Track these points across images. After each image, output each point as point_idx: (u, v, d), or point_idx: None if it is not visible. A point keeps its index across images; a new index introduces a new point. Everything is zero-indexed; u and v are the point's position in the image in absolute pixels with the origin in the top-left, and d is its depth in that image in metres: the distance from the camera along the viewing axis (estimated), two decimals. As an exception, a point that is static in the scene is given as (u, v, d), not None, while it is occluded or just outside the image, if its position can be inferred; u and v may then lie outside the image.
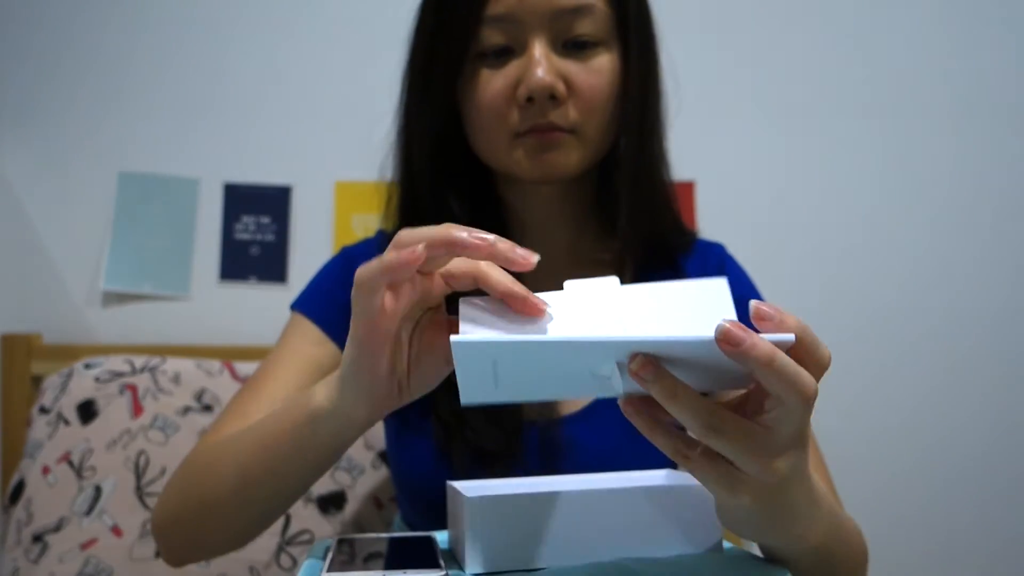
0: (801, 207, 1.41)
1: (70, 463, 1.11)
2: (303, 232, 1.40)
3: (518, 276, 0.48)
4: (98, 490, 1.09)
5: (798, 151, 1.42)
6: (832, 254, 1.41)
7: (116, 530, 1.07)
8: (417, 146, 0.78)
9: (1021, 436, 1.38)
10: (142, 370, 1.18)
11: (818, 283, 1.40)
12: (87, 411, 1.15)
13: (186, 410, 1.15)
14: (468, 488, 0.54)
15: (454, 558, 0.53)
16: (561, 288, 0.49)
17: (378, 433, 1.11)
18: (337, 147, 1.39)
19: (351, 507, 1.11)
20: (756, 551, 0.56)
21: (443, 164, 0.78)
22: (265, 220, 1.39)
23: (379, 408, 0.53)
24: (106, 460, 1.11)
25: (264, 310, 1.32)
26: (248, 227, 1.39)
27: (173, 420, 1.14)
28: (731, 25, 1.42)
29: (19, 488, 1.13)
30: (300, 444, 0.58)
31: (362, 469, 1.13)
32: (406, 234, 0.48)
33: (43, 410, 1.17)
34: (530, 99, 0.71)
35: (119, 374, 1.17)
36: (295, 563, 1.06)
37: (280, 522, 1.08)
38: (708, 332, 0.40)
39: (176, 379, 1.18)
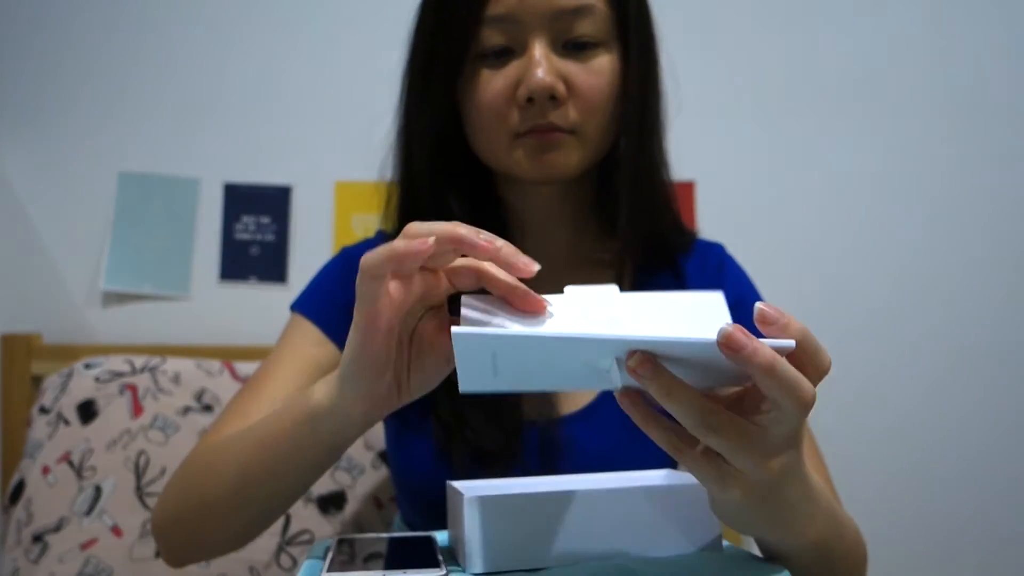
0: (801, 207, 1.41)
1: (70, 463, 1.11)
2: (303, 232, 1.40)
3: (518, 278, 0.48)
4: (98, 490, 1.09)
5: (798, 151, 1.42)
6: (832, 254, 1.41)
7: (116, 530, 1.07)
8: (417, 146, 0.78)
9: (1019, 436, 1.38)
10: (142, 370, 1.18)
11: (818, 283, 1.40)
12: (87, 411, 1.15)
13: (186, 410, 1.15)
14: (468, 488, 0.54)
15: (454, 558, 0.53)
16: (561, 291, 0.49)
17: (378, 433, 1.11)
18: (337, 147, 1.39)
19: (351, 507, 1.11)
20: (755, 550, 0.56)
21: (443, 164, 0.78)
22: (265, 220, 1.39)
23: (378, 406, 0.53)
24: (106, 460, 1.11)
25: (264, 310, 1.32)
26: (248, 227, 1.39)
27: (173, 420, 1.14)
28: (731, 25, 1.42)
29: (19, 488, 1.13)
30: (299, 443, 0.58)
31: (362, 469, 1.13)
32: (416, 226, 0.48)
33: (43, 410, 1.17)
34: (530, 99, 0.71)
35: (119, 374, 1.17)
36: (295, 563, 1.06)
37: (280, 522, 1.08)
38: (707, 335, 0.40)
39: (176, 379, 1.18)
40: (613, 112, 0.75)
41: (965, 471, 1.38)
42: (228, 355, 1.25)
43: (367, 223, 1.38)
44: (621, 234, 0.78)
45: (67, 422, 1.14)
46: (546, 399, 0.77)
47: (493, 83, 0.73)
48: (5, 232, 1.32)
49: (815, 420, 0.77)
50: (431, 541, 0.54)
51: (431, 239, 0.47)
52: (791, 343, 0.42)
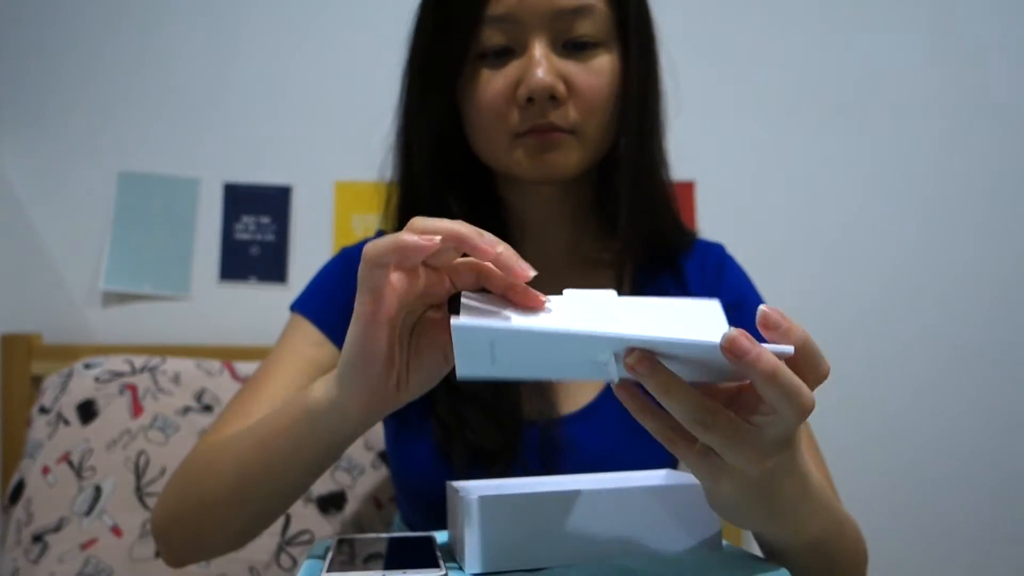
0: (800, 207, 1.41)
1: (70, 463, 1.11)
2: (303, 232, 1.40)
3: None
4: (98, 490, 1.09)
5: (798, 151, 1.42)
6: (831, 254, 1.41)
7: (116, 530, 1.07)
8: (417, 146, 0.78)
9: (1011, 436, 1.39)
10: (142, 370, 1.18)
11: (817, 282, 1.40)
12: (87, 411, 1.15)
13: (186, 410, 1.15)
14: (468, 488, 0.54)
15: (454, 558, 0.53)
16: (560, 292, 0.49)
17: (378, 433, 1.11)
18: (337, 147, 1.39)
19: (351, 507, 1.11)
20: (755, 550, 0.56)
21: (443, 164, 0.78)
22: (265, 220, 1.39)
23: (376, 404, 0.53)
24: (106, 460, 1.11)
25: (264, 310, 1.32)
26: (248, 227, 1.39)
27: (173, 420, 1.14)
28: (731, 25, 1.42)
29: (19, 488, 1.13)
30: (298, 442, 0.58)
31: (362, 469, 1.13)
32: (420, 221, 0.48)
33: (43, 410, 1.17)
34: (530, 99, 0.71)
35: (119, 374, 1.17)
36: (295, 563, 1.06)
37: (280, 522, 1.08)
38: (707, 337, 0.41)
39: (176, 379, 1.18)
40: (613, 112, 0.75)
41: (957, 471, 1.38)
42: (228, 355, 1.25)
43: (367, 223, 1.38)
44: (621, 234, 0.78)
45: (67, 422, 1.14)
46: (546, 399, 0.77)
47: (493, 83, 0.73)
48: (5, 232, 1.32)
49: (812, 419, 0.77)
50: (431, 541, 0.54)
51: (437, 238, 0.47)
52: (790, 349, 0.42)
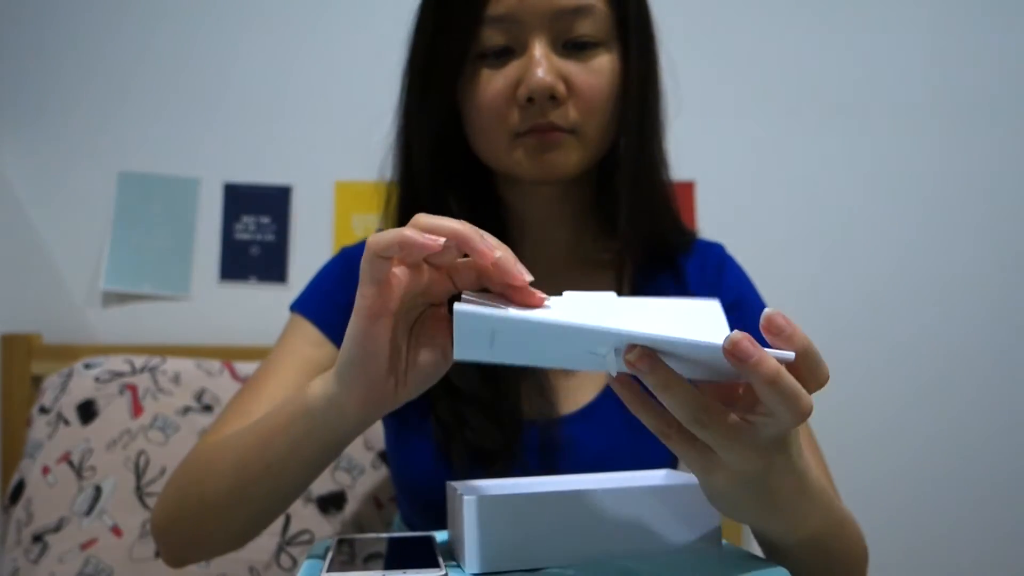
0: (800, 207, 1.41)
1: (70, 463, 1.11)
2: (303, 232, 1.40)
3: None
4: (98, 490, 1.09)
5: (797, 151, 1.42)
6: (831, 254, 1.41)
7: (116, 530, 1.07)
8: (417, 146, 0.78)
9: (1013, 435, 1.39)
10: (142, 370, 1.18)
11: (817, 282, 1.40)
12: (87, 411, 1.15)
13: (186, 410, 1.15)
14: (467, 488, 0.54)
15: (453, 558, 0.53)
16: (560, 293, 0.49)
17: (378, 433, 1.11)
18: (337, 147, 1.39)
19: (351, 507, 1.11)
20: (754, 550, 0.56)
21: (443, 164, 0.78)
22: (265, 220, 1.39)
23: (374, 401, 0.53)
24: (106, 460, 1.11)
25: (264, 310, 1.32)
26: (248, 227, 1.39)
27: (173, 420, 1.14)
28: (731, 25, 1.42)
29: (19, 488, 1.13)
30: (296, 440, 0.58)
31: (362, 469, 1.13)
32: (425, 218, 0.49)
33: (43, 410, 1.17)
34: (530, 99, 0.71)
35: (119, 374, 1.17)
36: (295, 563, 1.06)
37: (280, 522, 1.08)
38: (708, 337, 0.41)
39: (176, 379, 1.18)
40: (613, 112, 0.75)
41: (957, 471, 1.38)
42: (228, 355, 1.25)
43: (367, 223, 1.38)
44: (621, 234, 0.78)
45: (67, 422, 1.14)
46: (546, 399, 0.77)
47: (493, 83, 0.73)
48: (5, 232, 1.32)
49: (810, 419, 0.77)
50: (431, 541, 0.54)
51: (441, 239, 0.47)
52: (791, 355, 0.43)
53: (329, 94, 1.40)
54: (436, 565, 0.48)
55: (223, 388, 1.18)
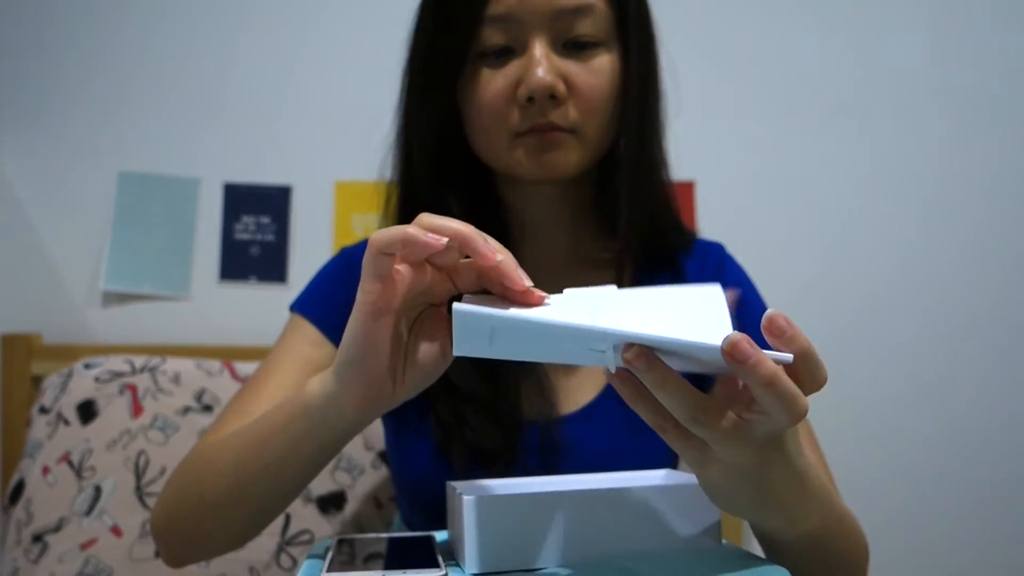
0: (800, 207, 1.41)
1: (70, 463, 1.11)
2: (303, 232, 1.40)
3: None
4: (98, 490, 1.09)
5: (797, 151, 1.42)
6: (831, 254, 1.41)
7: (116, 530, 1.07)
8: (417, 146, 0.78)
9: (1013, 435, 1.39)
10: (142, 370, 1.18)
11: (817, 282, 1.40)
12: (87, 411, 1.15)
13: (186, 410, 1.15)
14: (467, 488, 0.54)
15: (453, 558, 0.53)
16: (560, 292, 0.49)
17: (378, 433, 1.11)
18: (337, 147, 1.39)
19: (351, 507, 1.11)
20: (755, 549, 0.56)
21: (443, 164, 0.78)
22: (265, 220, 1.39)
23: (373, 400, 0.53)
24: (106, 460, 1.11)
25: (264, 310, 1.32)
26: (248, 227, 1.39)
27: (173, 420, 1.14)
28: (731, 25, 1.42)
29: (19, 488, 1.13)
30: (295, 438, 0.58)
31: (362, 469, 1.13)
32: (428, 218, 0.49)
33: (43, 410, 1.17)
34: (530, 99, 0.71)
35: (119, 374, 1.17)
36: (295, 563, 1.06)
37: (280, 522, 1.08)
38: (706, 336, 0.41)
39: (176, 379, 1.18)
40: (613, 112, 0.75)
41: (957, 471, 1.38)
42: (228, 355, 1.25)
43: (367, 223, 1.38)
44: (621, 234, 0.78)
45: (67, 422, 1.14)
46: (546, 399, 0.77)
47: (493, 82, 0.73)
48: (5, 232, 1.32)
49: (811, 417, 0.77)
50: (431, 541, 0.54)
51: (444, 240, 0.47)
52: (790, 357, 0.43)
53: (329, 94, 1.40)
54: (436, 565, 0.48)
55: (223, 388, 1.18)
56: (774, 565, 0.51)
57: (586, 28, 0.72)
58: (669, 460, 0.74)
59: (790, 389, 0.42)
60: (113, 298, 1.37)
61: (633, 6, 0.76)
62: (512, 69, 0.72)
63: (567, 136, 0.73)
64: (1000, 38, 1.42)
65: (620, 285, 0.80)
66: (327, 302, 0.81)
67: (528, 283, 0.48)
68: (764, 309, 0.45)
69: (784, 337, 0.43)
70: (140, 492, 1.10)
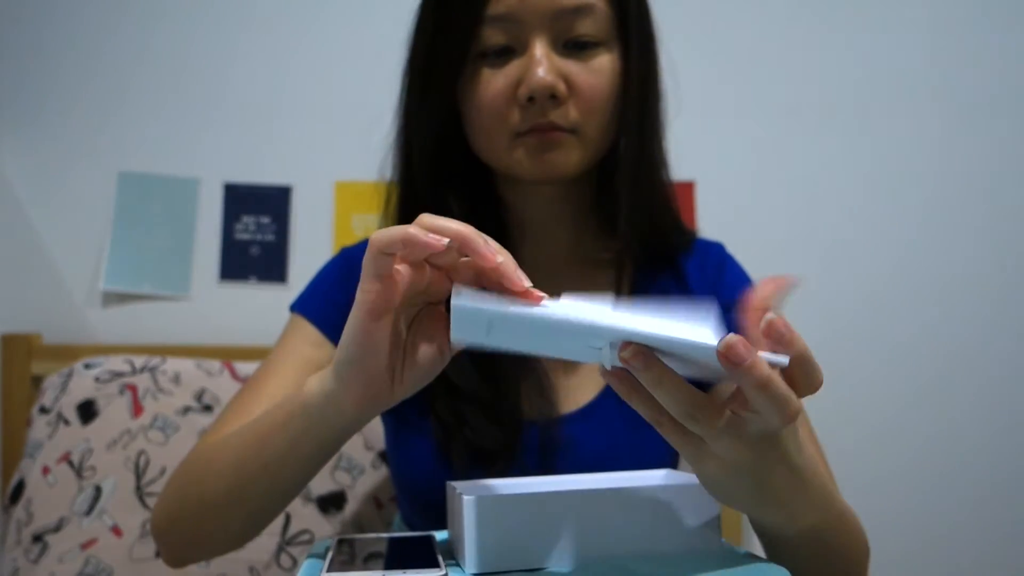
0: (800, 207, 1.41)
1: (70, 463, 1.11)
2: (303, 232, 1.40)
3: None
4: (98, 490, 1.09)
5: (798, 151, 1.42)
6: (831, 254, 1.41)
7: (116, 530, 1.07)
8: (417, 146, 0.78)
9: (1013, 435, 1.39)
10: (142, 370, 1.18)
11: (817, 282, 1.39)
12: (87, 411, 1.15)
13: (186, 410, 1.15)
14: (467, 488, 0.54)
15: (454, 558, 0.53)
16: (558, 295, 0.50)
17: (378, 433, 1.11)
18: (337, 147, 1.39)
19: (351, 507, 1.11)
20: (755, 549, 0.56)
21: (443, 164, 0.78)
22: (265, 220, 1.39)
23: (371, 399, 0.53)
24: (106, 460, 1.11)
25: (264, 310, 1.32)
26: (248, 227, 1.39)
27: (173, 420, 1.14)
28: (731, 25, 1.42)
29: (19, 488, 1.13)
30: (294, 438, 0.58)
31: (362, 469, 1.13)
32: (429, 219, 0.49)
33: (43, 410, 1.17)
34: (531, 99, 0.71)
35: (119, 374, 1.17)
36: (295, 563, 1.06)
37: (280, 522, 1.08)
38: (704, 335, 0.42)
39: (176, 379, 1.18)
40: (613, 112, 0.75)
41: (957, 471, 1.38)
42: (228, 355, 1.25)
43: (367, 223, 1.38)
44: (621, 234, 0.78)
45: (67, 422, 1.14)
46: (545, 398, 0.77)
47: (494, 82, 0.73)
48: (5, 232, 1.32)
49: (812, 417, 0.77)
50: (431, 541, 0.54)
51: (445, 240, 0.47)
52: (785, 360, 0.43)
53: (329, 94, 1.40)
54: (436, 565, 0.48)
55: (223, 388, 1.18)
56: (774, 565, 0.51)
57: (586, 28, 0.72)
58: (669, 460, 0.74)
59: (783, 391, 0.43)
60: (113, 298, 1.37)
61: (633, 6, 0.76)
62: (512, 69, 0.72)
63: (567, 136, 0.73)
64: (1000, 38, 1.42)
65: (620, 285, 0.81)
66: (327, 302, 0.81)
67: (527, 284, 0.48)
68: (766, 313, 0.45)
69: (783, 341, 0.44)
70: (140, 492, 1.10)
